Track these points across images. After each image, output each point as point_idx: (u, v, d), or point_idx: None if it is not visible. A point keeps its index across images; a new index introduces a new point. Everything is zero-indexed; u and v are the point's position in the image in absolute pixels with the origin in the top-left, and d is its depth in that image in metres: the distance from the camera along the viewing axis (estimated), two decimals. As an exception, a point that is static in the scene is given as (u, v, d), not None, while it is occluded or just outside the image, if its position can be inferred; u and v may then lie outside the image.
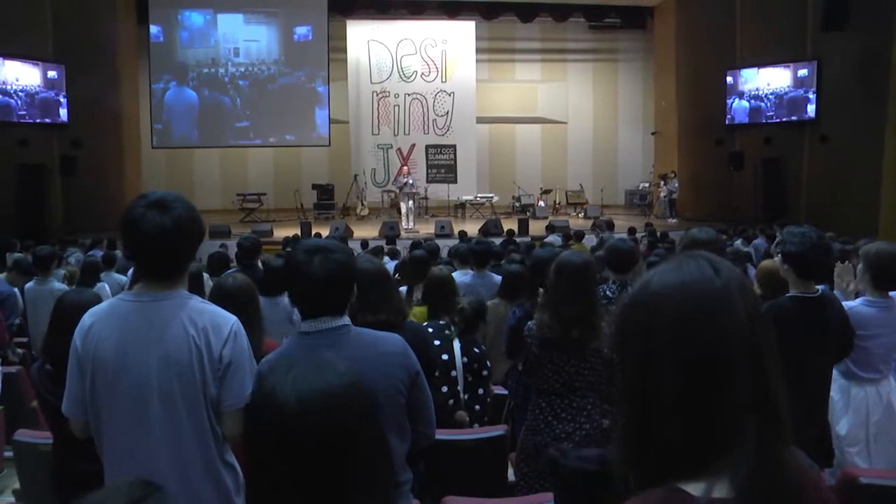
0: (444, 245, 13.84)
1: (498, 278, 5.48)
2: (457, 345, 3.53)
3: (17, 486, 3.51)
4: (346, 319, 2.05)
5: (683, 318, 0.93)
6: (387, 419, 2.01)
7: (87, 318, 1.97)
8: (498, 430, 3.17)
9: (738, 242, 11.04)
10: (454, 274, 4.98)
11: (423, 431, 2.19)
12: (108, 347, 1.91)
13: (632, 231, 13.26)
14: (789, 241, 3.01)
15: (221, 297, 2.72)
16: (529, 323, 3.04)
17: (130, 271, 7.50)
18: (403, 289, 5.33)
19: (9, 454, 4.65)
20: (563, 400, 2.96)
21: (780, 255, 3.06)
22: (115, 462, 1.94)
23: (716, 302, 0.94)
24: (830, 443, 3.09)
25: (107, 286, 6.19)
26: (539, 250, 4.14)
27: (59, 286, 5.76)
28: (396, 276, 6.05)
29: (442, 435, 3.10)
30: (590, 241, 14.45)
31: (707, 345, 0.92)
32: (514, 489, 3.05)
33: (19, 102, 13.88)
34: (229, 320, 1.96)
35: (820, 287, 3.11)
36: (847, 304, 3.24)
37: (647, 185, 19.25)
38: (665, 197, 18.43)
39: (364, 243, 11.77)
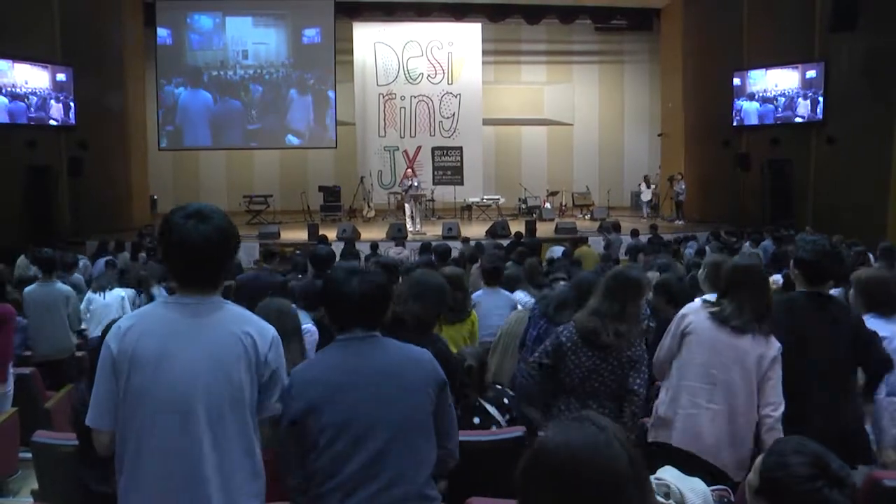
0: (453, 246, 13.88)
1: (509, 295, 5.30)
2: (490, 408, 3.35)
3: (35, 486, 3.51)
4: (377, 332, 2.17)
5: (578, 471, 1.28)
6: (420, 421, 2.07)
7: (124, 321, 1.96)
8: (517, 431, 3.16)
9: (747, 244, 11.05)
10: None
11: (448, 448, 2.21)
12: (149, 344, 1.87)
13: (634, 233, 13.25)
14: (802, 248, 3.17)
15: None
16: (569, 327, 3.18)
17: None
18: None
19: (24, 455, 4.68)
20: (578, 401, 3.09)
21: (792, 261, 3.23)
22: (147, 469, 1.85)
23: (604, 459, 1.29)
24: (864, 440, 3.08)
25: (124, 293, 6.16)
26: (585, 273, 4.17)
27: (63, 287, 5.69)
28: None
29: (461, 436, 3.10)
30: (596, 243, 14.49)
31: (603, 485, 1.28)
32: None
33: (28, 105, 13.93)
34: (270, 328, 2.01)
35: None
36: None
37: (654, 186, 19.24)
38: (647, 201, 18.61)
39: (374, 245, 11.72)
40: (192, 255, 1.92)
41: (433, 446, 2.10)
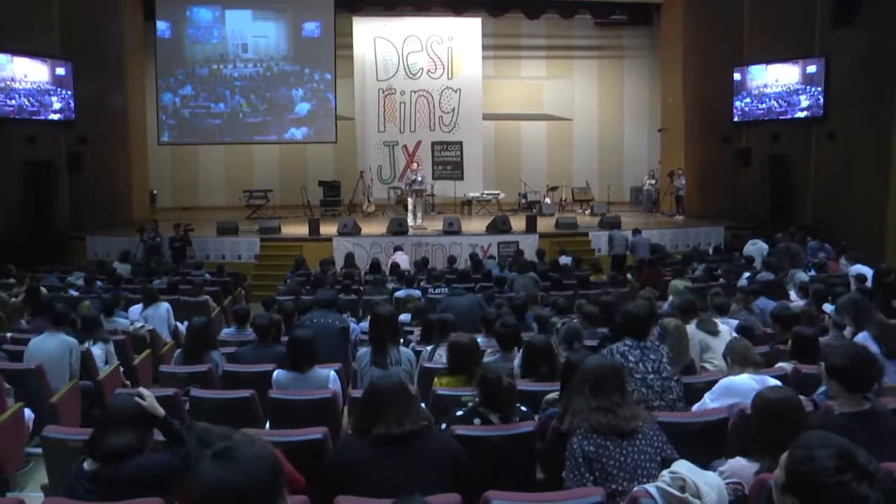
0: (452, 242, 13.91)
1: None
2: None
3: (45, 481, 3.52)
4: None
5: None
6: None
7: None
8: (527, 427, 3.17)
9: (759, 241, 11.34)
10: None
11: None
12: None
13: (636, 231, 13.26)
14: (832, 355, 2.99)
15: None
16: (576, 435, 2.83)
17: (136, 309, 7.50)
18: (429, 347, 5.31)
19: (32, 450, 4.68)
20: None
21: (823, 369, 3.04)
22: None
23: None
24: None
25: (100, 347, 5.97)
26: (574, 355, 3.83)
27: (68, 339, 5.56)
28: (419, 329, 6.00)
29: (471, 431, 3.11)
30: (596, 238, 14.51)
31: None
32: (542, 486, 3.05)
33: (28, 99, 13.87)
34: None
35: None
36: None
37: (653, 182, 19.26)
38: (649, 188, 18.90)
39: (375, 264, 11.36)
40: None
41: None
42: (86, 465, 2.58)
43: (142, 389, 2.85)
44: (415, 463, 2.68)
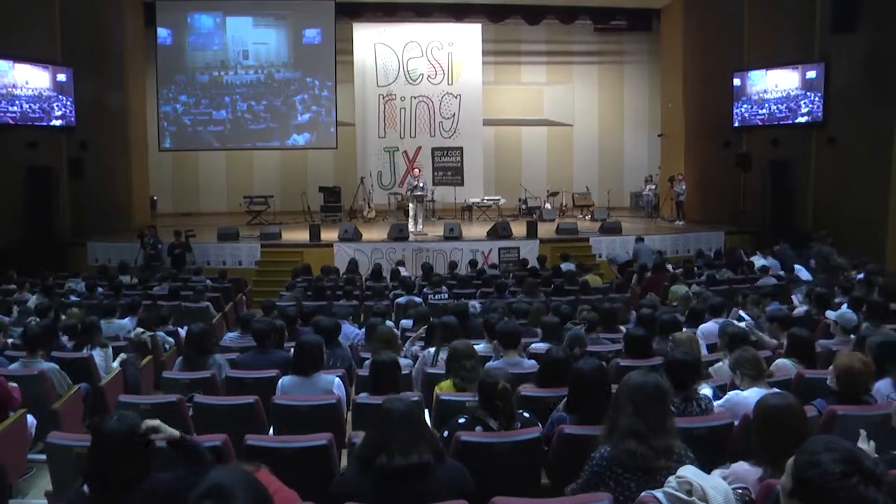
0: (453, 248, 13.90)
1: (530, 363, 4.86)
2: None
3: (48, 488, 3.51)
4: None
5: None
6: None
7: None
8: (532, 433, 3.16)
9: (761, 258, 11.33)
10: (478, 348, 4.83)
11: None
12: None
13: (639, 239, 13.23)
14: None
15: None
16: (603, 452, 2.68)
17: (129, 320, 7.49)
18: (431, 350, 5.30)
19: (34, 456, 4.66)
20: None
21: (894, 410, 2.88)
22: None
23: None
24: None
25: (99, 353, 5.97)
26: (583, 363, 3.53)
27: (47, 366, 5.28)
28: (421, 334, 5.95)
29: (476, 438, 3.11)
30: (597, 243, 14.51)
31: None
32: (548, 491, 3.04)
33: (29, 105, 13.90)
34: None
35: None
36: None
37: (653, 187, 19.28)
38: (649, 193, 18.94)
39: (376, 268, 11.48)
40: None
41: None
42: (86, 489, 2.41)
43: (148, 421, 2.55)
44: (419, 497, 2.52)
